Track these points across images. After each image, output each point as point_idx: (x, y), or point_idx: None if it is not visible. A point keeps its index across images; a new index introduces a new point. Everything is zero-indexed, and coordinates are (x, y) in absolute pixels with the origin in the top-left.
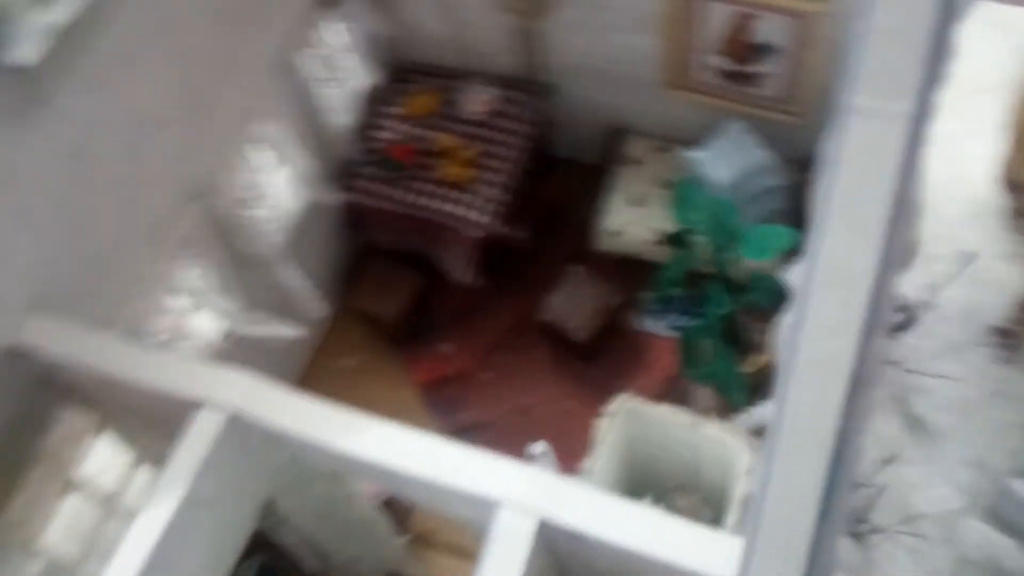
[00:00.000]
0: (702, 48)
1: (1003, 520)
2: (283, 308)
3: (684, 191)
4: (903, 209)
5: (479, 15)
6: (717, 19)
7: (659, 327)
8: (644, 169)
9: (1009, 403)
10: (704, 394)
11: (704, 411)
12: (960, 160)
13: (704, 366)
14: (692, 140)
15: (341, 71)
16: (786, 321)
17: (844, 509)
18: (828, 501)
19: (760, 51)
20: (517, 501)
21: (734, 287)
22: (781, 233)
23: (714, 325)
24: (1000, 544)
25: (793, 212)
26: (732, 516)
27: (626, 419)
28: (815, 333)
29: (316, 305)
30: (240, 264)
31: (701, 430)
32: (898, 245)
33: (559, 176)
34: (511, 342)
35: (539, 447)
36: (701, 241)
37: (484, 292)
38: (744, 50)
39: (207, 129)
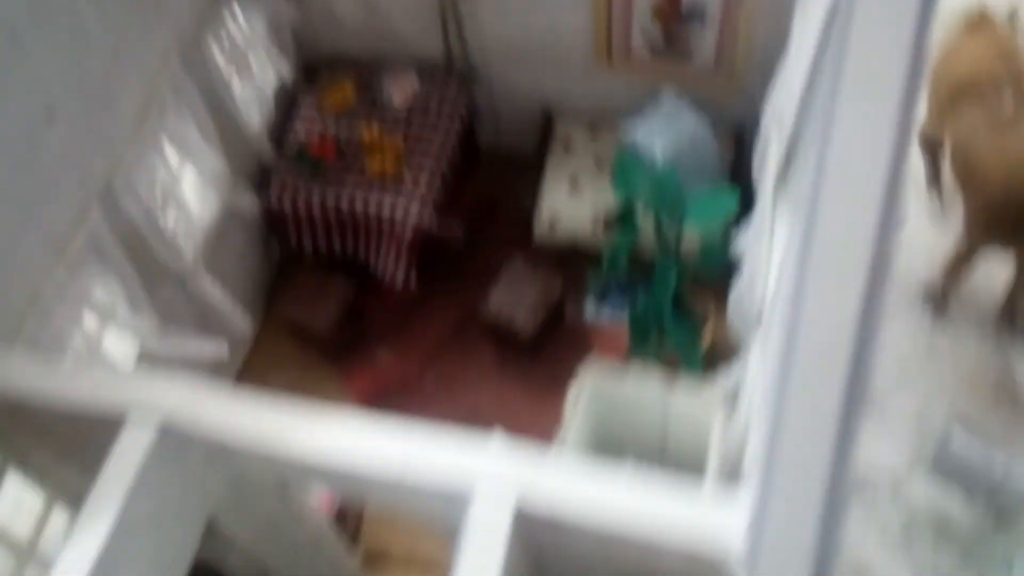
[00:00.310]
0: (633, 19)
1: (946, 472)
2: (203, 324)
3: (623, 163)
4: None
5: (398, 1)
6: None
7: (604, 315)
8: (578, 153)
9: (942, 358)
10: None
11: None
12: None
13: (656, 344)
14: (624, 115)
15: (251, 64)
16: (738, 289)
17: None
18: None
19: (690, 18)
20: (493, 485)
21: (681, 260)
22: (726, 197)
23: (665, 301)
24: (946, 496)
25: (731, 182)
26: (709, 484)
27: (594, 390)
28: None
29: (239, 319)
30: (152, 277)
31: (674, 393)
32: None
33: (490, 166)
34: (453, 344)
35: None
36: (644, 216)
37: (420, 294)
38: (674, 18)
39: (105, 125)
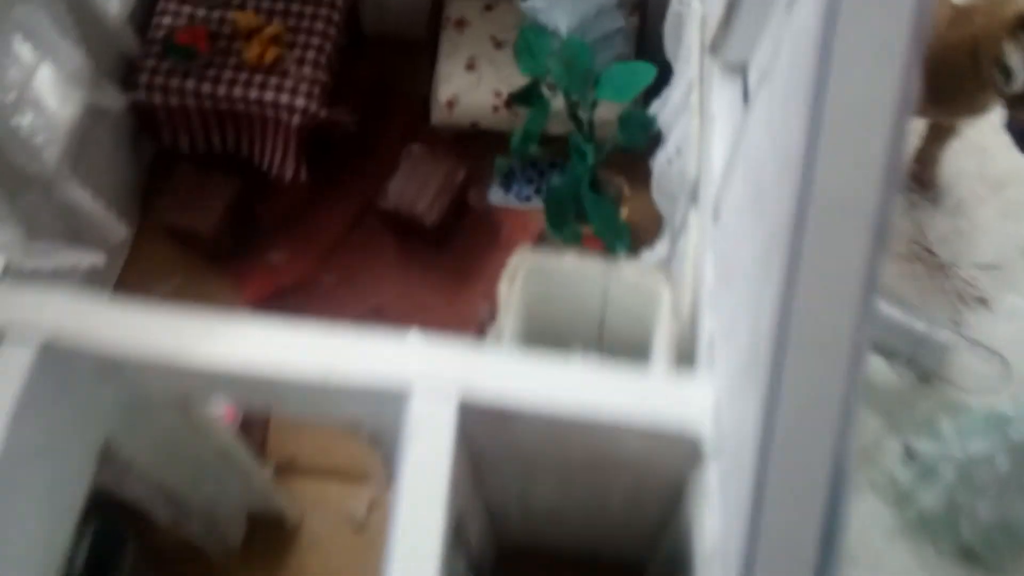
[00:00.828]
0: None
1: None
2: (73, 233)
3: (527, 38)
4: None
5: None
6: None
7: (511, 199)
8: (472, 30)
9: None
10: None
11: None
12: None
13: (574, 226)
14: None
15: None
16: (660, 163)
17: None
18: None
19: None
20: (432, 381)
21: (596, 137)
22: (639, 69)
23: (581, 178)
24: (870, 363)
25: (636, 55)
26: (659, 366)
27: (527, 277)
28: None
29: (113, 226)
30: (11, 185)
31: (615, 274)
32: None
33: (377, 50)
34: (351, 239)
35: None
36: (553, 94)
37: (313, 188)
38: None
39: None
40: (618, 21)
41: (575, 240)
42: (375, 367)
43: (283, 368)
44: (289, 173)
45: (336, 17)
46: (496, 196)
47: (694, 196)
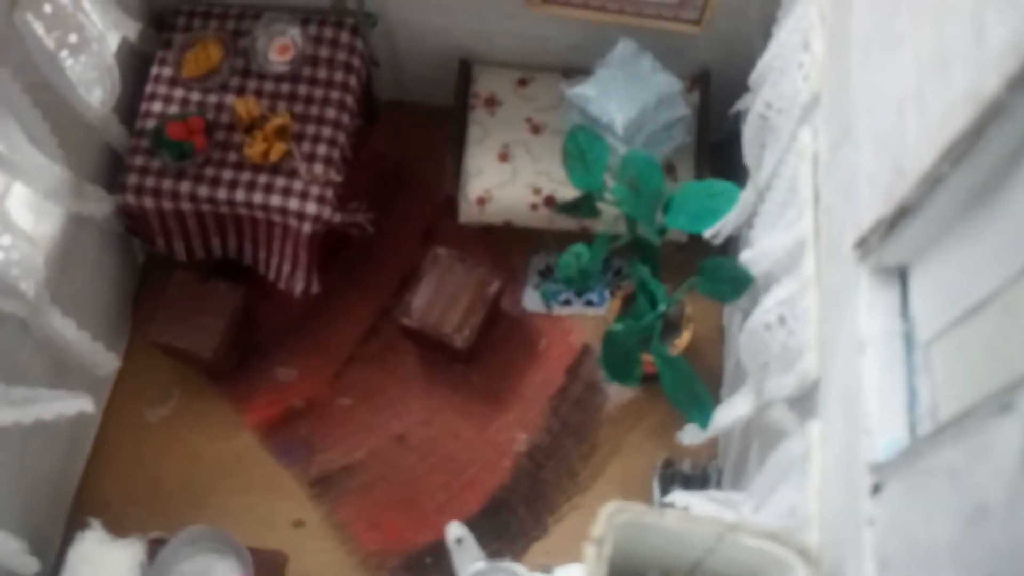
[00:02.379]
0: None
1: None
2: (56, 370)
3: (580, 144)
4: None
5: None
6: None
7: (548, 304)
8: (505, 112)
9: None
10: (615, 390)
11: (619, 409)
12: None
13: (636, 374)
14: (563, 67)
15: (84, 27)
16: (755, 321)
17: None
18: None
19: None
20: None
21: (659, 268)
22: (720, 190)
23: (651, 327)
24: None
25: (699, 144)
26: None
27: (618, 537)
28: None
29: (102, 358)
30: None
31: (731, 536)
32: None
33: (393, 120)
34: (367, 352)
35: (456, 529)
36: (610, 210)
37: (323, 296)
38: None
39: None
40: (680, 108)
41: (636, 383)
42: None
43: None
44: (299, 287)
45: (349, 101)
46: (531, 301)
47: (809, 406)
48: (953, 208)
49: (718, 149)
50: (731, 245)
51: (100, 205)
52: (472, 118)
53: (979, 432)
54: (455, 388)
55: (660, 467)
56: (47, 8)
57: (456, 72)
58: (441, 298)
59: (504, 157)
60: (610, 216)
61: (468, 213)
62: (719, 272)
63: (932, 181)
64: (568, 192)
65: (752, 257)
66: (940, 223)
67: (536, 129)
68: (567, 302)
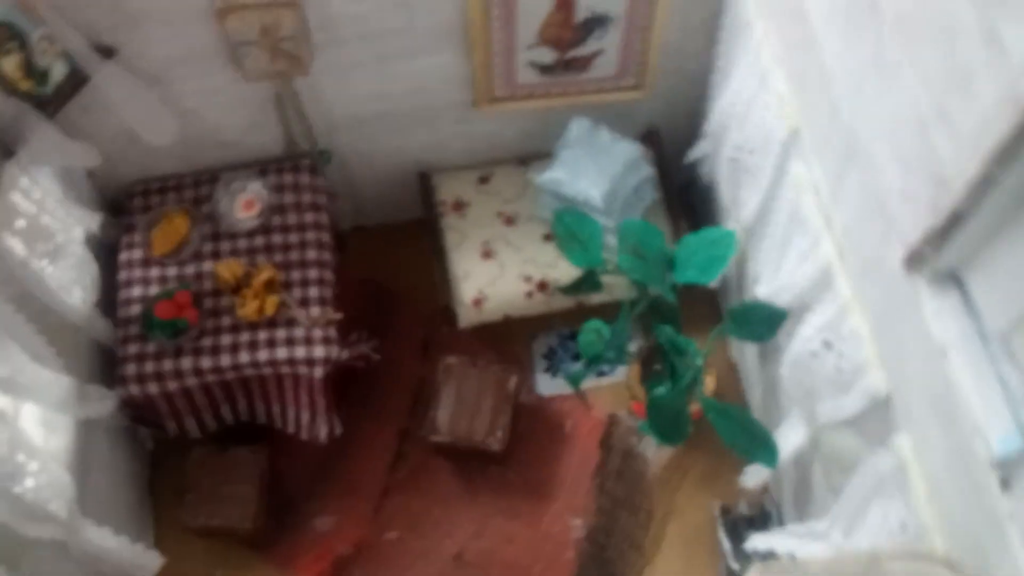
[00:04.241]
0: (516, 52)
1: None
2: None
3: (569, 226)
4: None
5: (215, 96)
6: (535, 4)
7: (562, 384)
8: (474, 211)
9: None
10: (652, 450)
11: (662, 468)
12: None
13: (686, 432)
14: (518, 156)
15: (53, 234)
16: (797, 350)
17: None
18: None
19: (589, 29)
20: None
21: (679, 321)
22: (718, 238)
23: (693, 383)
24: None
25: (667, 198)
26: None
27: None
28: None
29: (144, 560)
30: (13, 555)
31: (878, 570)
32: None
33: (363, 253)
34: (400, 480)
35: None
36: (617, 280)
37: (341, 434)
38: (568, 35)
39: None
40: (645, 170)
41: (677, 442)
42: None
43: None
44: (324, 432)
45: (325, 238)
46: (545, 385)
47: (882, 422)
48: (1005, 206)
49: (680, 199)
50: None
51: (104, 404)
52: (445, 225)
53: None
54: (497, 491)
55: (720, 515)
56: (20, 223)
57: (415, 186)
58: (465, 406)
59: (488, 255)
60: (610, 287)
61: (467, 317)
62: (752, 315)
63: (981, 185)
64: (558, 273)
65: (773, 292)
66: (994, 221)
67: (510, 220)
68: (577, 376)
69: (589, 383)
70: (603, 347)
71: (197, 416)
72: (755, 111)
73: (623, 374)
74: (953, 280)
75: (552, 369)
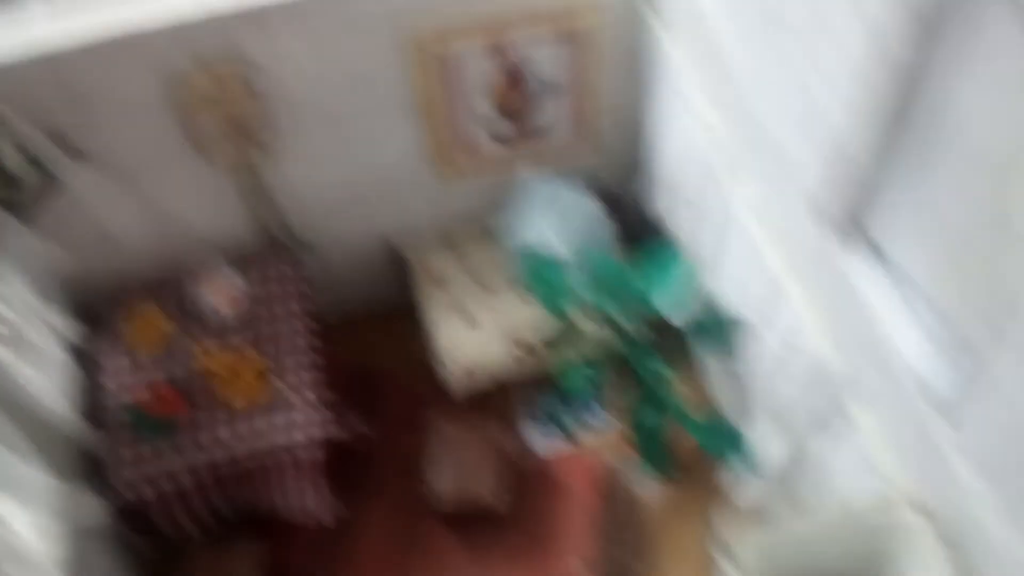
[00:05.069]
0: (471, 122)
1: None
2: None
3: (538, 272)
4: None
5: (187, 191)
6: (480, 75)
7: (549, 440)
8: (452, 281)
9: None
10: (649, 490)
11: (661, 508)
12: None
13: (659, 453)
14: (488, 222)
15: (35, 343)
16: (763, 358)
17: None
18: None
19: (539, 95)
20: None
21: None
22: (671, 258)
23: (667, 402)
24: None
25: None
26: None
27: (754, 559)
28: None
29: None
30: None
31: (850, 519)
32: None
33: (344, 342)
34: (410, 561)
35: None
36: (591, 319)
37: (344, 522)
38: (520, 102)
39: None
40: (604, 221)
41: (669, 470)
42: None
43: None
44: (327, 516)
45: (311, 324)
46: (538, 443)
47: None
48: (886, 144)
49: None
50: None
51: (95, 512)
52: (426, 301)
53: None
54: (506, 554)
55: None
56: (1, 330)
57: (392, 268)
58: (465, 470)
59: (472, 324)
60: (590, 334)
61: (459, 383)
62: (710, 321)
63: (862, 128)
64: (541, 334)
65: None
66: (879, 161)
67: (486, 287)
68: (564, 432)
69: (582, 437)
70: (590, 387)
71: (192, 515)
72: (682, 133)
73: (613, 425)
74: (861, 235)
75: (543, 426)
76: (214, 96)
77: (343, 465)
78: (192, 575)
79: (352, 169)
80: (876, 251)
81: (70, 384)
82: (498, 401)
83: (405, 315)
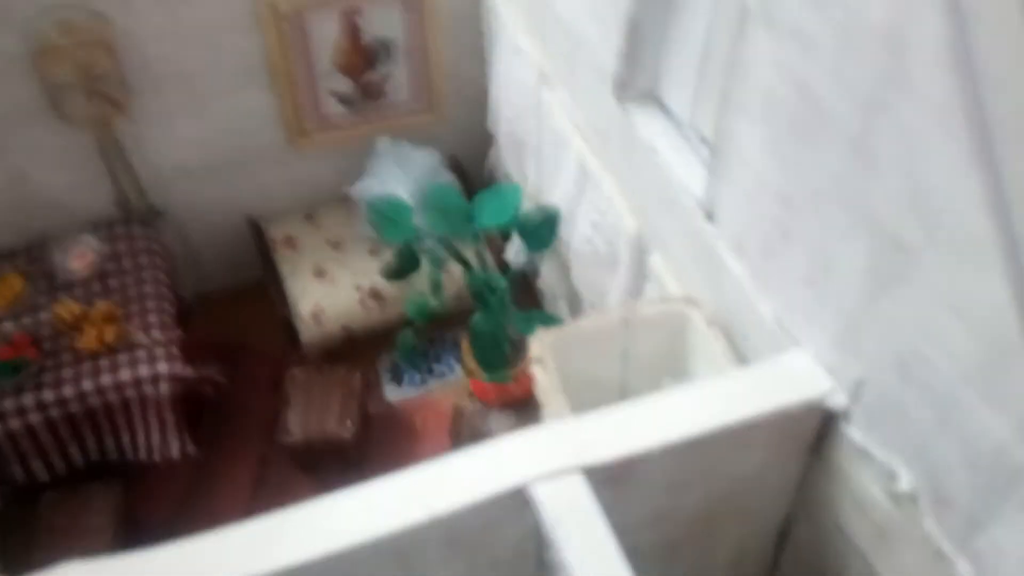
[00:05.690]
0: (317, 82)
1: None
2: None
3: (381, 210)
4: None
5: (41, 152)
6: (325, 33)
7: (408, 390)
8: (304, 243)
9: None
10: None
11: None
12: None
13: (506, 358)
14: (340, 194)
15: None
16: (577, 250)
17: None
18: None
19: (377, 53)
20: (546, 466)
21: (486, 263)
22: (504, 191)
23: (502, 308)
24: None
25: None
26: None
27: (553, 357)
28: None
29: None
30: None
31: (635, 318)
32: None
33: (207, 317)
34: (265, 496)
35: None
36: (431, 246)
37: (197, 463)
38: (361, 61)
39: None
40: (445, 175)
41: (507, 377)
42: (483, 482)
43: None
44: (176, 450)
45: (162, 276)
46: (392, 392)
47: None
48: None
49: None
50: None
51: None
52: (279, 259)
53: None
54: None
55: None
56: None
57: (249, 241)
58: (314, 407)
59: (320, 274)
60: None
61: (309, 331)
62: (532, 221)
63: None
64: (385, 281)
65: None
66: (662, 30)
67: (337, 246)
68: (423, 382)
69: (433, 385)
70: (414, 344)
71: (44, 458)
72: (512, 78)
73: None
74: (652, 99)
75: (397, 379)
76: (70, 53)
77: (196, 413)
78: (43, 515)
79: (208, 135)
80: (662, 106)
81: None
82: (353, 356)
83: (266, 297)
